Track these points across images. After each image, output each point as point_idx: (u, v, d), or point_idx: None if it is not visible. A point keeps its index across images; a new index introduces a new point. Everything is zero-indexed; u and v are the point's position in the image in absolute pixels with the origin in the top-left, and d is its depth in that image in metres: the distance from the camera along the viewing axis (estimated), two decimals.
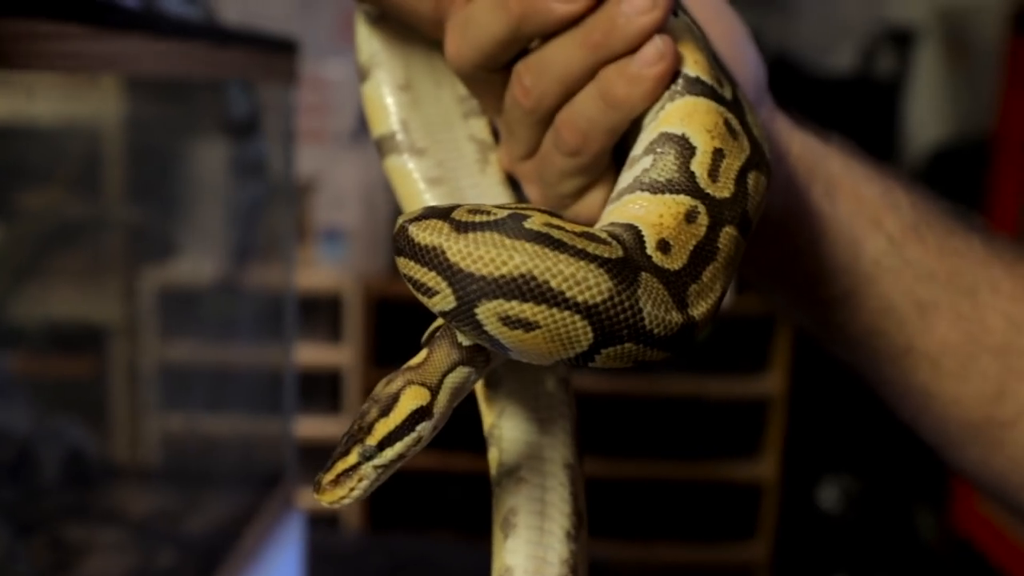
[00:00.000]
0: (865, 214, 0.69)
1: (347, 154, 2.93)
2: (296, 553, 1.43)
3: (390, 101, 0.64)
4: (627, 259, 0.49)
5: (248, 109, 1.45)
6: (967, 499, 2.57)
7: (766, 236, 0.65)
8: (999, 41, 2.69)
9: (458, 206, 0.51)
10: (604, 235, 0.51)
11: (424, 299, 0.49)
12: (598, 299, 0.47)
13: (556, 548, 0.58)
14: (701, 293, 0.52)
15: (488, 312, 0.48)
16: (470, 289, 0.47)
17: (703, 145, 0.54)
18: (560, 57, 0.55)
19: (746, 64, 0.65)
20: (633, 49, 0.53)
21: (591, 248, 0.48)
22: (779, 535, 2.95)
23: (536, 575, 0.58)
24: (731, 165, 0.54)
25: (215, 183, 1.68)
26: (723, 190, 0.54)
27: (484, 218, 0.49)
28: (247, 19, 2.61)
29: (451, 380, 0.52)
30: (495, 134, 0.64)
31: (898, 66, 2.99)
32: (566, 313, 0.47)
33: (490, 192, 0.64)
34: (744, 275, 0.68)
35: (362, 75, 0.65)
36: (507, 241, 0.48)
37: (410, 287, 0.50)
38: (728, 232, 0.53)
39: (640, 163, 0.55)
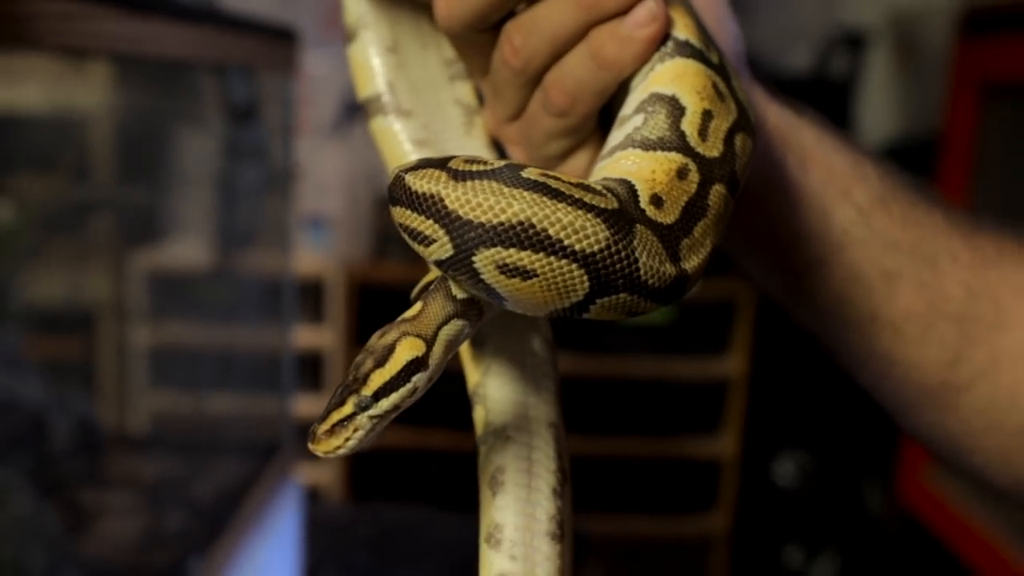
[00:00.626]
0: (835, 185, 0.69)
1: (329, 145, 2.93)
2: (294, 518, 1.44)
3: (377, 63, 0.63)
4: (622, 211, 0.48)
5: (248, 96, 1.44)
6: (912, 474, 2.57)
7: (743, 204, 0.63)
8: (945, 45, 2.70)
9: (453, 157, 0.50)
10: (599, 187, 0.50)
11: (420, 248, 0.48)
12: (595, 248, 0.47)
13: (544, 505, 0.58)
14: (693, 247, 0.51)
15: (486, 260, 0.47)
16: (468, 236, 0.47)
17: (693, 105, 0.53)
18: (551, 16, 0.54)
19: (727, 35, 0.65)
20: (625, 10, 0.52)
21: (588, 198, 0.47)
22: (738, 508, 2.98)
23: (525, 531, 0.57)
24: (719, 126, 0.54)
25: (211, 168, 1.68)
26: (712, 149, 0.53)
27: (481, 167, 0.48)
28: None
29: (445, 332, 0.51)
30: (480, 98, 0.63)
31: (851, 67, 3.01)
32: (564, 261, 0.46)
33: (474, 151, 0.63)
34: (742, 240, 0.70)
35: (349, 36, 0.64)
36: (505, 189, 0.47)
37: (405, 236, 0.49)
38: (718, 190, 0.53)
39: (631, 121, 0.54)
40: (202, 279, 2.03)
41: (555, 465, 0.58)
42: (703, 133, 0.53)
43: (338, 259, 2.81)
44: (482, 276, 0.47)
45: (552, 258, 0.46)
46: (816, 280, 0.70)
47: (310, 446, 0.48)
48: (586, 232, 0.46)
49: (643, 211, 0.50)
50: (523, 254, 0.46)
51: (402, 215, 0.49)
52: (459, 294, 0.51)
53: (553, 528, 0.57)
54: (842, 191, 0.68)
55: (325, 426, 0.48)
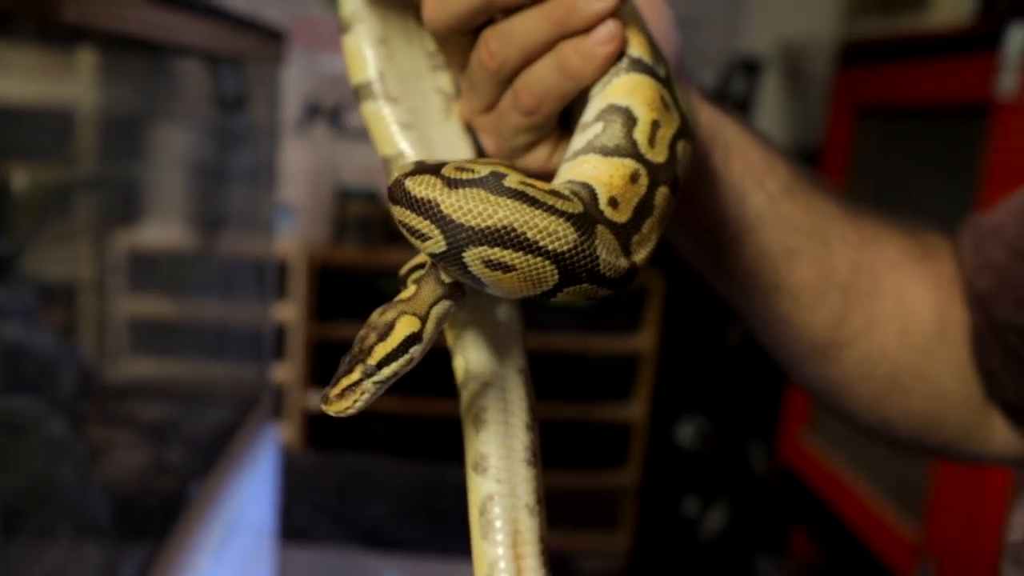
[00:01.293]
0: (752, 175, 0.69)
1: (294, 141, 2.90)
2: (272, 457, 1.46)
3: (369, 53, 0.62)
4: (586, 214, 0.50)
5: (237, 88, 1.41)
6: (790, 437, 2.63)
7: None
8: (826, 72, 2.76)
9: (445, 163, 0.51)
10: (567, 192, 0.51)
11: (416, 242, 0.50)
12: (565, 248, 0.48)
13: (520, 437, 0.59)
14: (641, 242, 0.53)
15: (474, 256, 0.48)
16: (460, 237, 0.48)
17: (644, 116, 0.54)
18: (525, 28, 0.54)
19: (672, 45, 0.64)
20: (589, 28, 0.53)
21: (559, 204, 0.49)
22: (645, 465, 3.03)
23: (507, 459, 0.58)
24: (665, 134, 0.54)
25: (198, 155, 1.63)
26: (659, 155, 0.54)
27: (470, 175, 0.49)
28: None
29: (436, 311, 0.52)
30: (457, 88, 0.63)
31: (747, 89, 3.06)
32: (539, 259, 0.48)
33: (453, 139, 0.63)
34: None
35: (343, 27, 0.63)
36: (491, 197, 0.48)
37: (403, 231, 0.51)
38: (663, 191, 0.54)
39: (592, 128, 0.55)
40: (186, 258, 1.99)
41: (526, 404, 0.59)
42: (652, 141, 0.54)
43: (300, 243, 2.79)
44: (470, 268, 0.49)
45: (529, 256, 0.48)
46: (732, 256, 0.70)
47: (323, 407, 0.50)
48: (557, 235, 0.48)
49: (602, 212, 0.51)
50: (505, 252, 0.48)
51: (401, 214, 0.50)
52: (447, 279, 0.52)
53: (528, 456, 0.58)
54: (757, 181, 0.69)
55: (336, 390, 0.49)
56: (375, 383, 0.50)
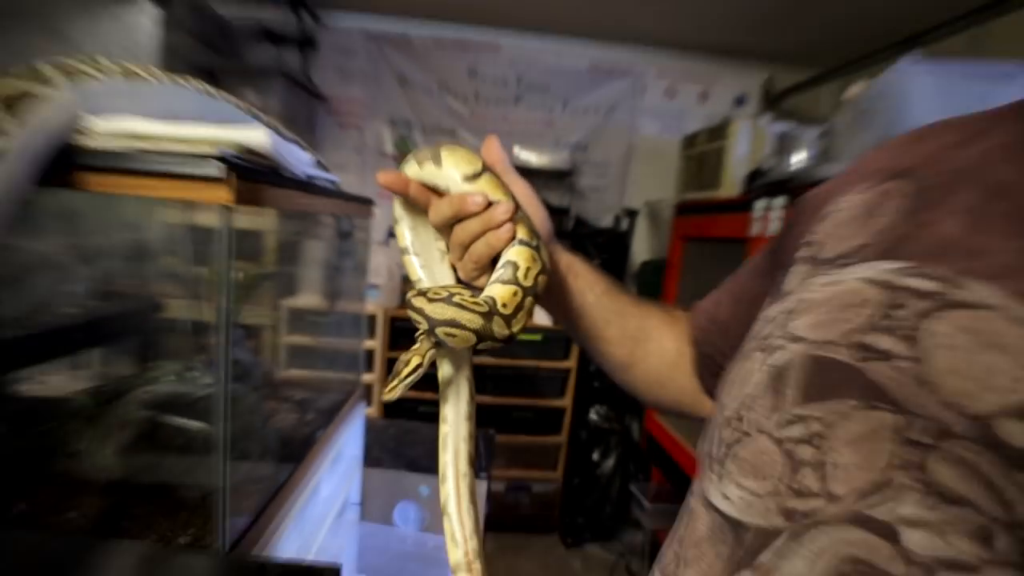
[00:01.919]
0: (586, 285, 0.66)
1: (381, 248, 2.91)
2: (362, 419, 1.45)
3: (406, 233, 0.61)
4: (489, 312, 0.50)
5: (348, 227, 1.42)
6: (651, 417, 2.58)
7: (550, 297, 0.66)
8: (669, 218, 2.71)
9: (430, 289, 0.52)
10: (482, 301, 0.51)
11: (416, 324, 0.51)
12: (477, 327, 0.50)
13: (464, 408, 0.58)
14: (517, 322, 0.52)
15: (439, 331, 0.50)
16: (432, 323, 0.50)
17: (522, 265, 0.53)
18: (472, 226, 0.54)
19: (544, 225, 0.63)
20: (499, 227, 0.53)
21: (476, 308, 0.50)
22: (570, 434, 2.97)
23: (455, 417, 0.58)
24: (532, 272, 0.53)
25: (328, 259, 1.62)
26: (528, 282, 0.53)
27: (437, 296, 0.51)
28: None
29: (429, 354, 0.52)
30: (447, 249, 0.60)
31: (629, 226, 3.01)
32: (467, 332, 0.50)
33: (445, 272, 0.61)
34: (551, 312, 0.68)
35: (394, 221, 0.61)
36: (446, 306, 0.50)
37: (412, 320, 0.51)
38: (529, 300, 0.53)
39: (499, 270, 0.54)
40: (319, 313, 1.90)
41: (468, 394, 0.59)
42: (526, 277, 0.53)
43: (381, 305, 2.76)
44: (439, 336, 0.50)
45: (463, 331, 0.50)
46: (578, 324, 0.67)
47: (383, 396, 0.50)
48: (474, 322, 0.49)
49: (498, 310, 0.51)
50: (452, 329, 0.50)
51: (410, 312, 0.51)
52: (431, 340, 0.52)
53: (468, 416, 0.58)
54: (589, 287, 0.67)
55: (388, 388, 0.50)
56: (404, 386, 0.50)
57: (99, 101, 0.60)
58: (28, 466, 0.81)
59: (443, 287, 0.53)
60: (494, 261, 0.55)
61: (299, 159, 0.77)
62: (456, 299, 0.50)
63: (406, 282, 3.03)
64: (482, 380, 2.90)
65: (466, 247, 0.55)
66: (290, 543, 0.90)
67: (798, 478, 0.36)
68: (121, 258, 1.23)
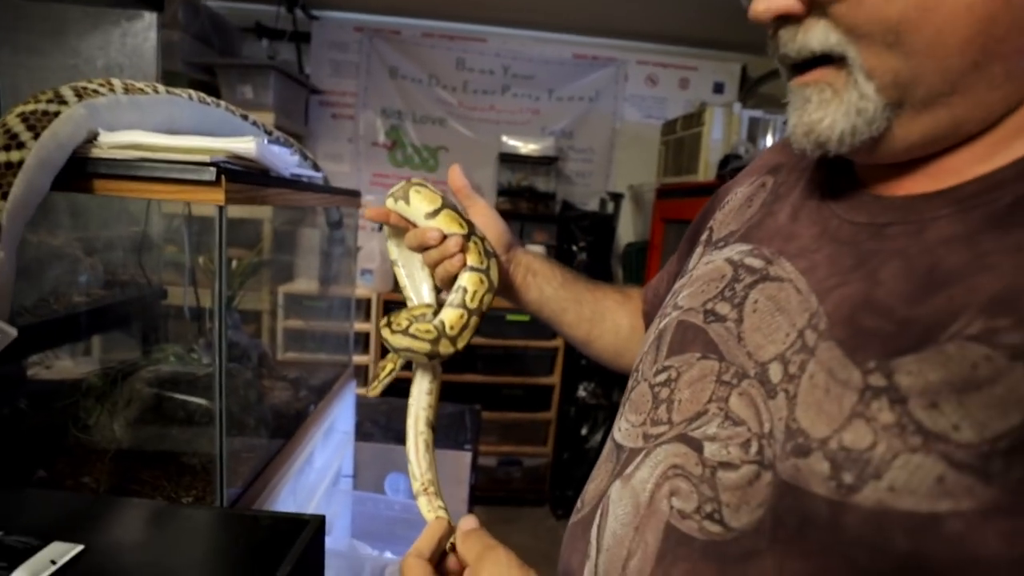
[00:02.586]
0: (545, 279, 0.69)
1: (373, 236, 2.84)
2: (352, 396, 1.43)
3: (394, 249, 0.64)
4: (438, 336, 0.54)
5: (338, 215, 1.40)
6: None
7: (514, 294, 0.69)
8: (652, 201, 2.70)
9: (395, 320, 0.57)
10: (432, 328, 0.55)
11: (387, 344, 0.55)
12: (427, 351, 0.54)
13: (426, 387, 0.60)
14: (462, 339, 0.55)
15: (403, 352, 0.55)
16: (396, 348, 0.54)
17: (471, 288, 0.56)
18: (432, 255, 0.58)
19: (504, 235, 0.67)
20: (452, 256, 0.57)
21: (426, 336, 0.54)
22: (559, 409, 2.97)
23: (417, 397, 0.60)
24: (478, 294, 0.55)
25: (320, 246, 1.60)
26: (475, 304, 0.55)
27: (398, 327, 0.55)
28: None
29: (399, 362, 0.58)
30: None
31: (614, 209, 3.01)
32: (420, 354, 0.54)
33: (424, 277, 0.63)
34: (517, 305, 0.71)
35: (387, 237, 0.64)
36: (404, 336, 0.54)
37: (384, 343, 0.56)
38: (475, 319, 0.56)
39: (453, 294, 0.57)
40: (314, 298, 1.96)
41: (431, 377, 0.60)
42: (473, 299, 0.55)
43: (375, 289, 2.75)
44: (402, 355, 0.55)
45: (415, 353, 0.54)
46: (540, 314, 0.70)
47: (367, 392, 0.56)
48: (423, 348, 0.53)
49: (447, 333, 0.55)
50: (408, 352, 0.54)
51: (383, 335, 0.56)
52: (397, 355, 0.56)
53: (428, 391, 0.60)
54: (547, 281, 0.69)
55: (371, 386, 0.56)
56: (383, 385, 0.57)
57: (106, 115, 0.64)
58: (46, 438, 0.85)
59: (406, 316, 0.58)
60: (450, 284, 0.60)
61: (285, 161, 0.80)
62: (411, 330, 0.55)
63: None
64: (473, 360, 2.91)
65: (433, 267, 0.61)
66: (286, 508, 0.92)
67: (657, 412, 0.45)
68: (127, 249, 1.26)
